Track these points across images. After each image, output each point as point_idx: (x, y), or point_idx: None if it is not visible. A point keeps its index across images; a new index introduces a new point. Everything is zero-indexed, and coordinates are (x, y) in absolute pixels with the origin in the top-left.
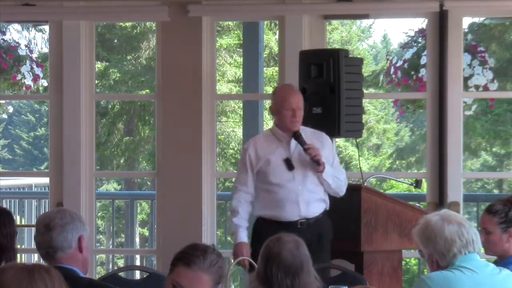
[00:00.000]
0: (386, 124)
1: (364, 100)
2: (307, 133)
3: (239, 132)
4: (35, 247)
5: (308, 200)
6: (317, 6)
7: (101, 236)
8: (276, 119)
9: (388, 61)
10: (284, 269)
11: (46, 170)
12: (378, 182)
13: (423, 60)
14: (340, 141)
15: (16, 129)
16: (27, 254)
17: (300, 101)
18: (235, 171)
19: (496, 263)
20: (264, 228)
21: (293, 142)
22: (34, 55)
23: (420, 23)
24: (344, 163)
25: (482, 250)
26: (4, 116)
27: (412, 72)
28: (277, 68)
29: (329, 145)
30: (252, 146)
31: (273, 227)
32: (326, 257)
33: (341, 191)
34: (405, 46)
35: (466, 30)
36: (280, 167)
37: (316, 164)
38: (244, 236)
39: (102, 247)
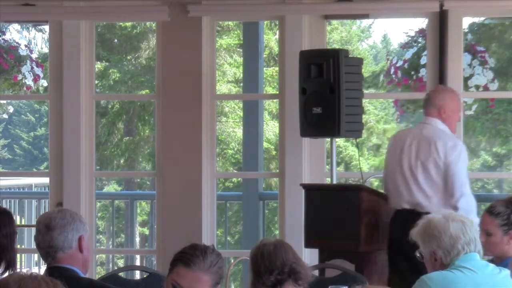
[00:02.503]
0: (386, 124)
1: (364, 100)
2: None
3: (239, 132)
4: (35, 247)
5: None
6: (317, 6)
7: (101, 236)
8: (447, 119)
9: (388, 61)
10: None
11: (46, 170)
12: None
13: (423, 60)
14: (340, 141)
15: (16, 129)
16: (27, 254)
17: None
18: (235, 171)
19: (495, 263)
20: None
21: None
22: (34, 55)
23: (420, 23)
24: (344, 163)
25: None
26: (5, 116)
27: (412, 72)
28: (277, 68)
29: None
30: None
31: None
32: None
33: None
34: (405, 46)
35: (466, 30)
36: None
37: None
38: None
39: (102, 247)
